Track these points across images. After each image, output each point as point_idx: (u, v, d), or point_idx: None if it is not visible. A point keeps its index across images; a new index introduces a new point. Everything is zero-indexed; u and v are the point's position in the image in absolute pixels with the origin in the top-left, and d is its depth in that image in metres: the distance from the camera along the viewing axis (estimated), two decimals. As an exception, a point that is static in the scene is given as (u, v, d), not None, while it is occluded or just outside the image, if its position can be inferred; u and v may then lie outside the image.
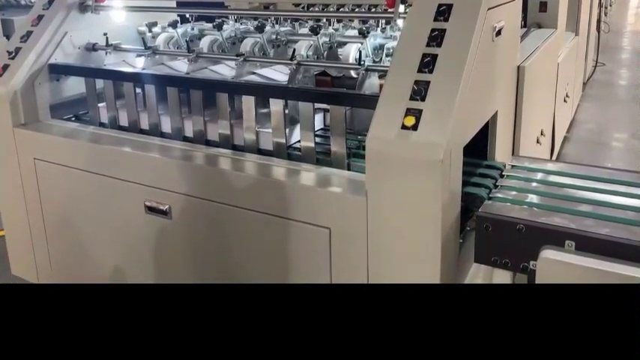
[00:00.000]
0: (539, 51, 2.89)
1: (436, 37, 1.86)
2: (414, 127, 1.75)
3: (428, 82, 1.80)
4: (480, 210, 1.86)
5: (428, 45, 1.86)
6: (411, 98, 1.80)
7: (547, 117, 3.50)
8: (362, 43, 2.47)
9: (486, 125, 2.17)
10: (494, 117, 2.22)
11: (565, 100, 4.22)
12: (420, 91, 1.79)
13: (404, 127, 1.77)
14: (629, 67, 8.28)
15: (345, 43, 2.59)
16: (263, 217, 2.10)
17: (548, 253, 1.67)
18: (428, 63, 1.83)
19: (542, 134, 3.18)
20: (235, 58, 2.50)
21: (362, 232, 1.89)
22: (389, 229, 1.84)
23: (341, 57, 2.58)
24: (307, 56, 2.56)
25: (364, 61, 2.23)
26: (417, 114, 1.77)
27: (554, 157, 3.93)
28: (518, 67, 2.49)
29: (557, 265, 1.64)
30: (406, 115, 1.78)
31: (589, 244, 1.67)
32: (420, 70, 1.83)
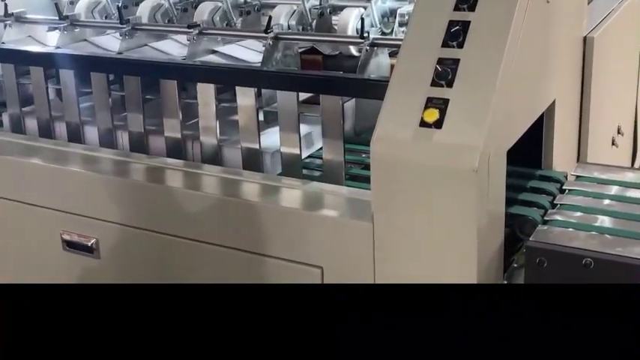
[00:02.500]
0: (614, 17, 2.90)
1: (468, -2, 1.88)
2: (438, 124, 1.77)
3: (457, 61, 1.82)
4: (531, 239, 1.87)
5: (456, 8, 1.87)
6: (434, 83, 1.81)
7: (626, 108, 3.52)
8: (365, 8, 2.48)
9: (540, 120, 2.19)
10: (551, 109, 2.23)
11: (652, 85, 4.24)
12: (445, 74, 1.81)
13: (424, 123, 1.78)
14: None
15: (342, 8, 2.61)
16: (228, 254, 2.11)
17: (628, 298, 1.68)
18: (457, 33, 1.84)
19: (619, 132, 3.19)
20: (187, 30, 2.51)
21: (366, 272, 1.90)
22: (404, 266, 1.85)
23: (336, 27, 2.60)
24: (289, 27, 2.58)
25: (368, 33, 2.24)
26: (442, 105, 1.78)
27: (636, 164, 3.94)
28: (585, 38, 2.50)
29: None
30: (427, 106, 1.79)
31: (684, 284, 1.68)
32: (445, 44, 1.85)
